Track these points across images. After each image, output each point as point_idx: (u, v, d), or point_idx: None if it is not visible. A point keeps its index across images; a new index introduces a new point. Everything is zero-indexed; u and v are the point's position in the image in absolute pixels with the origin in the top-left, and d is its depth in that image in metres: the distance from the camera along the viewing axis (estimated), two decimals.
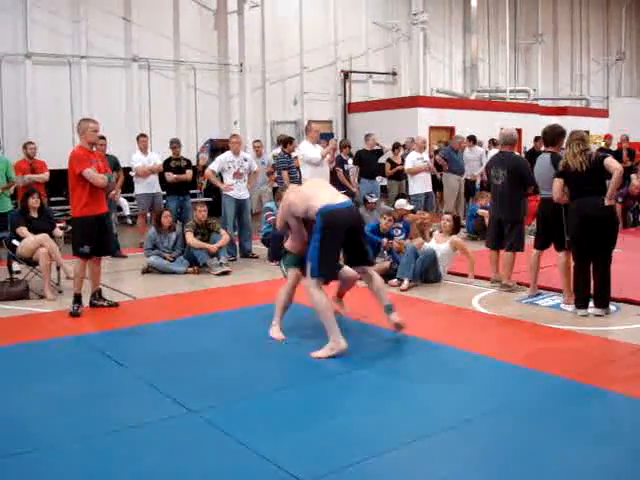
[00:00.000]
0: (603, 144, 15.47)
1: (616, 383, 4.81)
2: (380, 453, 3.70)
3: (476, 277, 8.37)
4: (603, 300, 6.66)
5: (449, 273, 8.53)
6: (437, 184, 13.45)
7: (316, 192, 5.61)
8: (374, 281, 5.82)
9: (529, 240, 7.95)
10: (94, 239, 6.87)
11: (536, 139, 15.61)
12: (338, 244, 5.44)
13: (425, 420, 4.18)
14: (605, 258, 6.57)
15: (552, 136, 7.27)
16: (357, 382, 4.87)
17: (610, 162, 6.41)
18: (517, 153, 7.85)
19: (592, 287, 6.69)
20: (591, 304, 6.70)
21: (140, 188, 11.12)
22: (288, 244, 6.03)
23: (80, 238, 6.90)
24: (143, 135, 11.50)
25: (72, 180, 6.80)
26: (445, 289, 8.07)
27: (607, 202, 6.40)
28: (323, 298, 5.33)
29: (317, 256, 5.27)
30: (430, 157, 13.37)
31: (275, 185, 11.95)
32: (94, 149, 7.10)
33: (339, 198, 5.58)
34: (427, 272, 8.20)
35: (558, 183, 6.68)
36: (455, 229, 8.64)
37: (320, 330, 6.06)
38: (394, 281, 8.03)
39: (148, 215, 11.51)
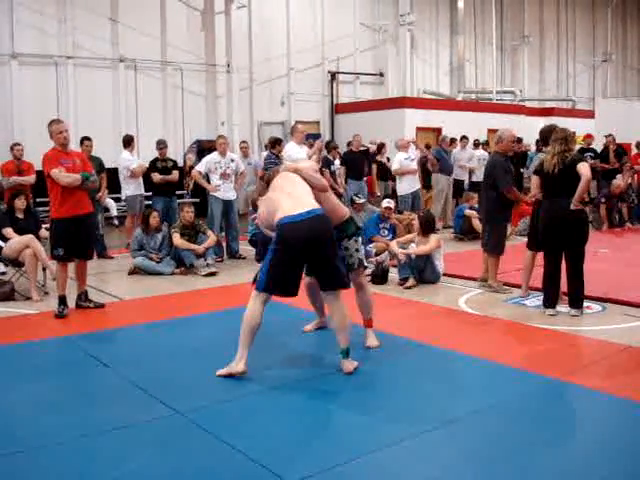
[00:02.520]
0: (584, 144, 15.47)
1: (603, 383, 4.83)
2: (367, 453, 3.71)
3: (463, 277, 8.40)
4: (576, 301, 6.65)
5: None
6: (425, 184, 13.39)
7: (280, 201, 4.99)
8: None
9: (517, 242, 7.97)
10: (69, 241, 6.76)
11: (518, 140, 15.61)
12: (292, 261, 4.85)
13: (412, 420, 4.18)
14: (575, 259, 6.56)
15: (549, 136, 7.16)
16: (343, 383, 4.86)
17: (581, 167, 6.39)
18: (498, 154, 7.76)
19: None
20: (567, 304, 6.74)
21: (131, 189, 10.93)
22: None
23: (54, 240, 6.85)
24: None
25: (48, 182, 6.76)
26: (432, 290, 8.08)
27: (572, 206, 6.37)
28: (254, 315, 4.85)
29: (266, 270, 4.85)
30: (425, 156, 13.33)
31: None
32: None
33: (301, 206, 4.88)
34: (423, 271, 8.20)
35: (534, 180, 6.88)
36: (426, 226, 8.38)
37: (308, 334, 6.08)
38: (410, 281, 8.08)
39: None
